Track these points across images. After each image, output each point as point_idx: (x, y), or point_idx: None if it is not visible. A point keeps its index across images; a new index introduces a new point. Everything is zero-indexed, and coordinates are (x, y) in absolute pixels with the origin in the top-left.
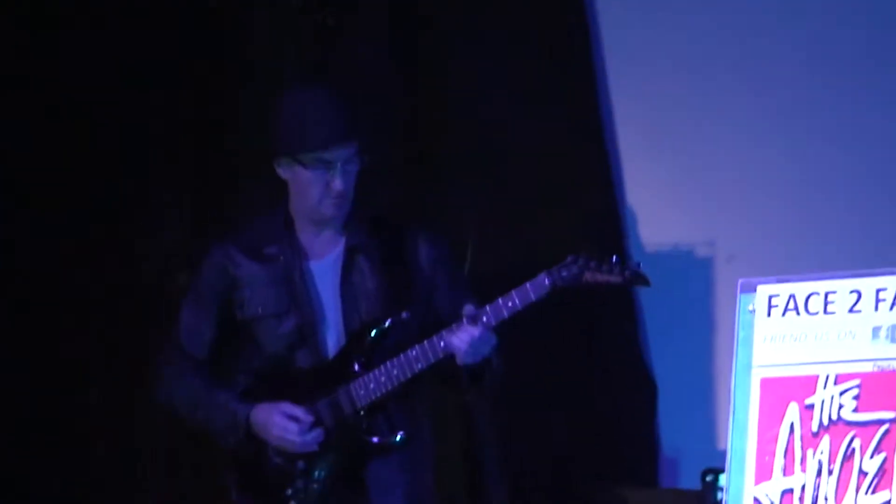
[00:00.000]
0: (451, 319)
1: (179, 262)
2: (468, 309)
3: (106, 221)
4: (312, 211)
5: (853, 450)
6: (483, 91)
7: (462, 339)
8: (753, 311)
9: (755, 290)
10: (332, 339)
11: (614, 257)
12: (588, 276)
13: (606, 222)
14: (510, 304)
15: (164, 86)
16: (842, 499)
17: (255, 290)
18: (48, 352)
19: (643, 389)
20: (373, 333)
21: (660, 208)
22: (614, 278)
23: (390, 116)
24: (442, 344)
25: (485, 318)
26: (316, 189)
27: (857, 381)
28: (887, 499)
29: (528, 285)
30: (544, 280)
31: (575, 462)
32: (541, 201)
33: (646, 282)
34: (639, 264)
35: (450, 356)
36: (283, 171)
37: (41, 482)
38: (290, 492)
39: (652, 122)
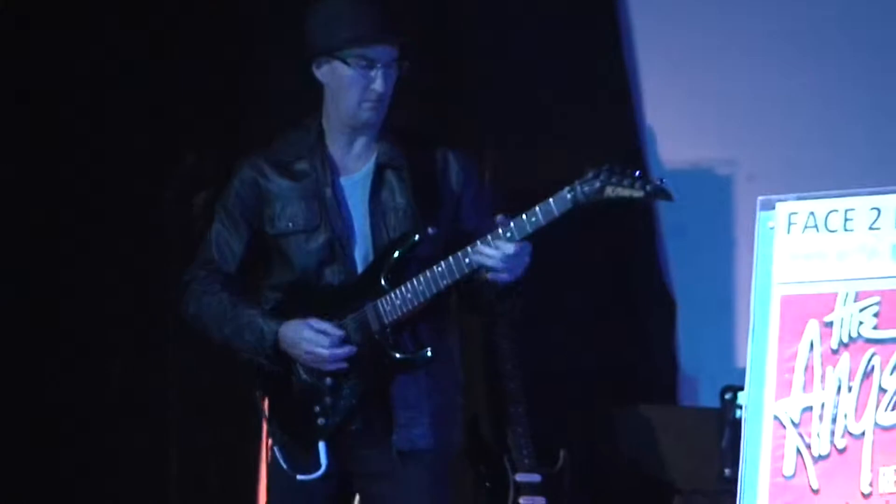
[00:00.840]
0: (476, 237)
1: (198, 183)
2: (500, 219)
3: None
4: (349, 115)
5: (873, 367)
6: (506, 11)
7: (494, 255)
8: (773, 228)
9: (774, 208)
10: (361, 255)
11: (637, 171)
12: (609, 190)
13: (626, 139)
14: (533, 218)
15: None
16: (861, 416)
17: (285, 206)
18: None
19: (663, 307)
20: (400, 249)
21: (679, 126)
22: (636, 192)
23: (419, 38)
24: (467, 260)
25: (508, 234)
26: (356, 90)
27: (877, 299)
28: None
29: (550, 200)
30: (566, 195)
31: (595, 380)
32: (562, 119)
33: (668, 196)
34: (661, 179)
35: (474, 272)
36: (322, 74)
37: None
38: (317, 408)
39: (672, 41)
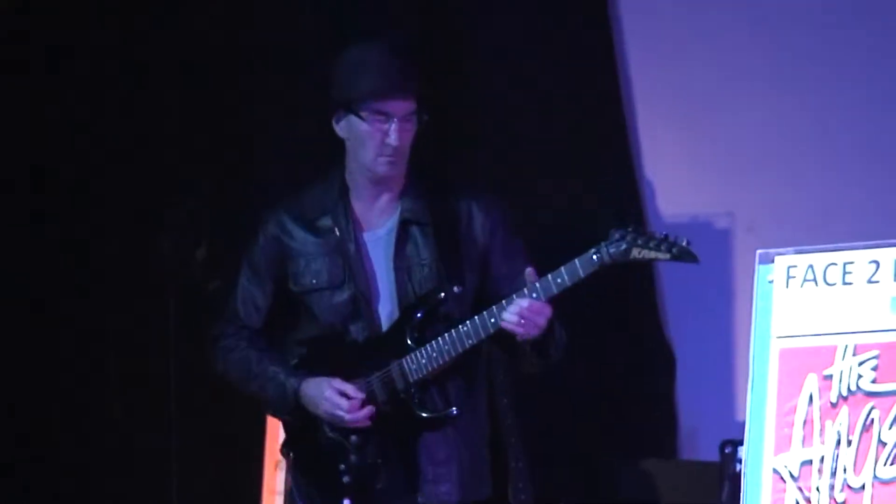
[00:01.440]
0: (508, 286)
1: (197, 237)
2: (529, 274)
3: (124, 201)
4: (367, 169)
5: (872, 420)
6: (507, 65)
7: (512, 312)
8: (772, 281)
9: (773, 261)
10: (386, 311)
11: (663, 233)
12: (636, 252)
13: (626, 193)
14: (559, 279)
15: (180, 67)
16: (861, 469)
17: (309, 262)
18: (67, 329)
19: (663, 361)
20: (424, 308)
21: (678, 179)
22: (663, 254)
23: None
24: (493, 320)
25: (534, 294)
26: (372, 144)
27: (875, 352)
28: None
29: (576, 261)
30: (592, 256)
31: (597, 433)
32: (563, 172)
33: (694, 258)
34: (687, 241)
35: (499, 332)
36: (341, 128)
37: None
38: (342, 466)
39: (671, 95)
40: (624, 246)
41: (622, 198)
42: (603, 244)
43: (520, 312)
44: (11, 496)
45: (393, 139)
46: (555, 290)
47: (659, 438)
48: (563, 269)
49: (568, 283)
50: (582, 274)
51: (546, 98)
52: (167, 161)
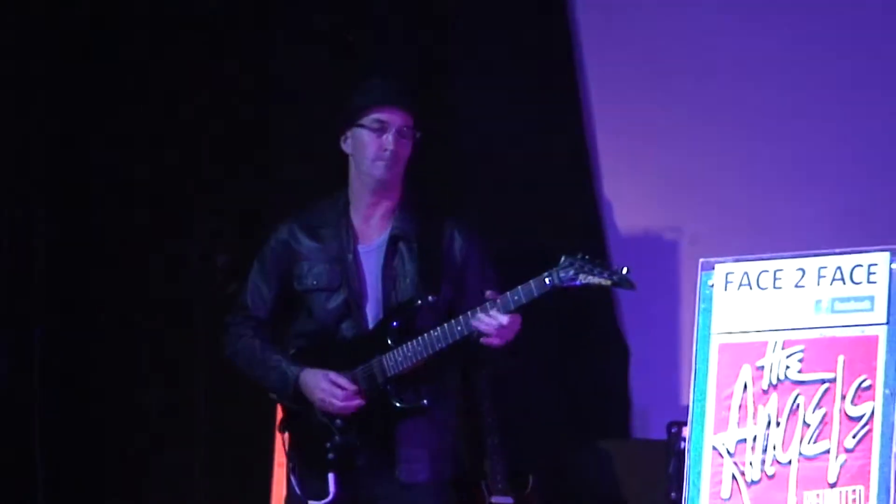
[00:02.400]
0: (477, 303)
1: (221, 244)
2: (489, 294)
3: (150, 209)
4: (366, 174)
5: (798, 405)
6: (473, 96)
7: (490, 324)
8: (712, 286)
9: (714, 269)
10: (373, 314)
11: (605, 262)
12: (582, 277)
13: (587, 209)
14: (516, 297)
15: (207, 79)
16: (788, 447)
17: (311, 266)
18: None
19: (618, 353)
20: (405, 313)
21: (633, 198)
22: (604, 281)
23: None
24: (460, 327)
25: (495, 309)
26: (371, 148)
27: (801, 347)
28: (827, 447)
29: (531, 283)
30: (544, 279)
31: (560, 415)
32: (529, 191)
33: (631, 285)
34: (626, 269)
35: (469, 336)
36: (347, 146)
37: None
38: (328, 445)
39: (627, 125)
40: (572, 272)
41: (583, 213)
42: (555, 269)
43: (498, 325)
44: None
45: (390, 144)
46: (511, 306)
47: (614, 420)
48: (519, 288)
49: (523, 300)
50: (535, 294)
51: (515, 125)
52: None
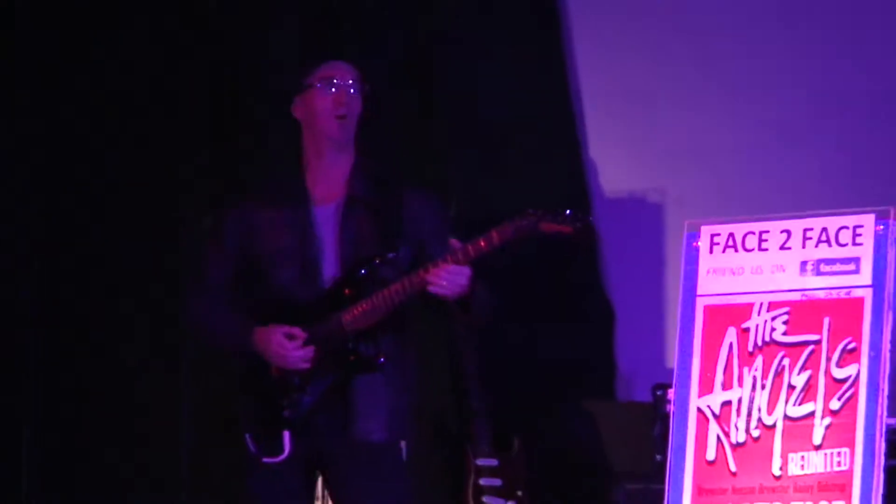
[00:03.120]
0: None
1: (205, 207)
2: (454, 243)
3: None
4: (320, 133)
5: (783, 367)
6: (463, 59)
7: (437, 274)
8: (698, 248)
9: (699, 230)
10: (330, 275)
11: (568, 210)
12: (543, 225)
13: (572, 171)
14: (481, 243)
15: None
16: (773, 409)
17: (265, 232)
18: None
19: (604, 316)
20: (363, 269)
21: (618, 160)
22: (565, 228)
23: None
24: (416, 279)
25: (460, 256)
26: (323, 107)
27: (786, 308)
28: (812, 409)
29: (493, 231)
30: (506, 228)
31: (546, 378)
32: (516, 155)
33: (593, 232)
34: (589, 217)
35: (425, 290)
36: (297, 109)
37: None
38: (285, 402)
39: (613, 88)
40: (534, 220)
41: (569, 175)
42: (517, 217)
43: (440, 272)
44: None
45: (340, 98)
46: (472, 254)
47: (600, 382)
48: (481, 237)
49: (485, 249)
50: (496, 242)
51: (500, 88)
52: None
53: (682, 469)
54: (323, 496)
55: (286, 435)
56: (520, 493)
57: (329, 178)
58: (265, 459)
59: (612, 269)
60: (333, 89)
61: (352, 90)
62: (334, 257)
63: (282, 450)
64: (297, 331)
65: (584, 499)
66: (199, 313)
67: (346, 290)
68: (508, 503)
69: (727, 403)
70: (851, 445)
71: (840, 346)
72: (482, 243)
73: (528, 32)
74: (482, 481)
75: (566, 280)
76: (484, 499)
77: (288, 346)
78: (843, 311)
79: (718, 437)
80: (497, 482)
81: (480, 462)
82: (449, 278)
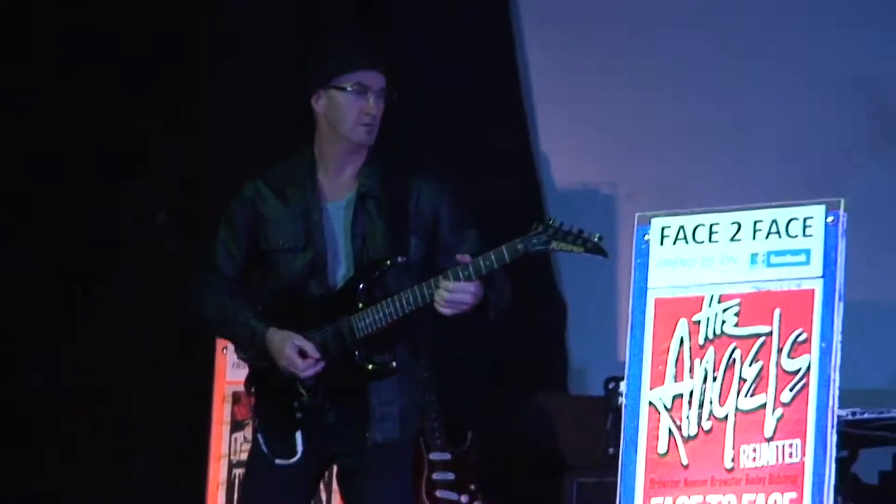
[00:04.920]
0: (454, 255)
1: (160, 202)
2: (460, 258)
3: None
4: (345, 137)
5: (734, 359)
6: (412, 54)
7: (440, 297)
8: (648, 240)
9: (650, 223)
10: (342, 272)
11: (579, 230)
12: (555, 244)
13: (523, 164)
14: (487, 262)
15: (147, 42)
16: (725, 401)
17: (277, 226)
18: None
19: (556, 310)
20: (375, 273)
21: (569, 153)
22: (577, 248)
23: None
24: (429, 291)
25: (465, 274)
26: (352, 113)
27: (737, 300)
28: (763, 401)
29: (503, 248)
30: (518, 245)
31: (498, 372)
32: (466, 146)
33: (604, 253)
34: (600, 238)
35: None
36: (320, 105)
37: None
38: (296, 404)
39: (564, 80)
40: (545, 238)
41: (520, 168)
42: (529, 235)
43: (445, 296)
44: None
45: (372, 107)
46: (483, 272)
47: (552, 376)
48: (491, 253)
49: (495, 266)
50: (507, 259)
51: (450, 81)
52: (131, 136)
53: (633, 462)
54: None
55: (299, 436)
56: (472, 486)
57: (342, 173)
58: (278, 461)
59: (563, 263)
60: (366, 99)
61: (381, 99)
62: (347, 254)
63: (295, 452)
64: (310, 348)
65: (537, 492)
66: (207, 303)
67: (358, 294)
68: (461, 497)
69: (679, 396)
70: (803, 437)
71: (791, 338)
72: (494, 260)
73: (478, 25)
74: (435, 475)
75: (518, 273)
76: (437, 493)
77: (300, 366)
78: (794, 302)
79: (670, 430)
80: (450, 476)
81: (433, 456)
82: (452, 299)
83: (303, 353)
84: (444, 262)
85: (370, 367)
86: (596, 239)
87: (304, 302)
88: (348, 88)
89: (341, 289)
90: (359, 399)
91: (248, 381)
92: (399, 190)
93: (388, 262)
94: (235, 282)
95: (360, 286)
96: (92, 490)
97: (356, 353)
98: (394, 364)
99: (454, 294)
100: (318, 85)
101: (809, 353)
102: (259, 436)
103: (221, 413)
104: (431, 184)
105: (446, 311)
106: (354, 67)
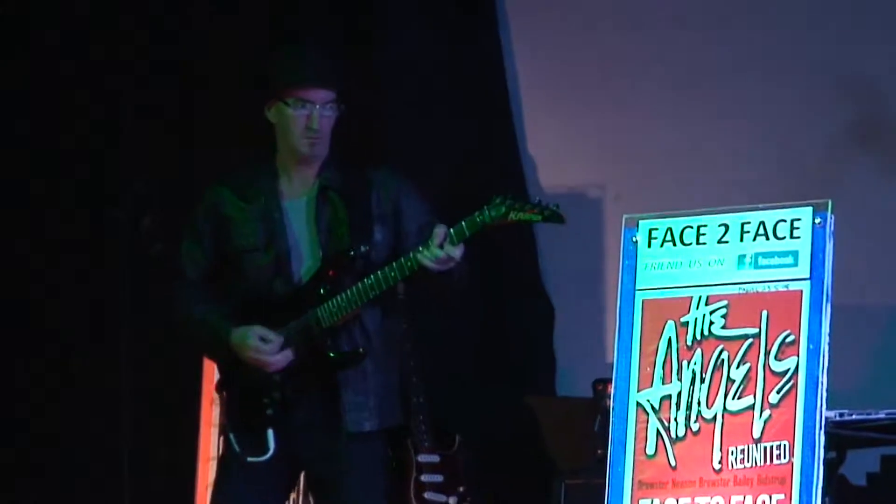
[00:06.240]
0: (416, 241)
1: (146, 206)
2: (438, 229)
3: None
4: (292, 149)
5: (722, 361)
6: (398, 57)
7: (427, 257)
8: (636, 242)
9: (638, 225)
10: (306, 267)
11: (537, 199)
12: (512, 214)
13: (510, 167)
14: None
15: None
16: (713, 403)
17: (239, 227)
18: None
19: (543, 312)
20: (339, 264)
21: (556, 156)
22: (535, 216)
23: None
24: (409, 264)
25: (436, 242)
26: (296, 127)
27: (725, 302)
28: (751, 402)
29: (462, 223)
30: (476, 218)
31: (486, 374)
32: (454, 149)
33: (561, 219)
34: (556, 205)
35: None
36: (271, 115)
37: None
38: (266, 400)
39: (551, 82)
40: (503, 209)
41: (506, 171)
42: (485, 207)
43: (436, 260)
44: None
45: (314, 123)
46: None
47: (540, 378)
48: (451, 229)
49: (455, 241)
50: (467, 233)
51: (436, 83)
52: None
53: (622, 463)
54: (302, 492)
55: (271, 433)
56: (461, 488)
57: (300, 174)
58: (249, 459)
59: (551, 264)
60: (308, 113)
61: (326, 111)
62: (314, 249)
63: (266, 449)
64: (272, 334)
65: (525, 494)
66: (175, 310)
67: (321, 286)
68: (450, 499)
69: (667, 398)
70: (791, 438)
71: (779, 339)
72: (454, 235)
73: (465, 27)
74: (423, 477)
75: (505, 275)
76: (425, 495)
77: (264, 350)
78: (782, 304)
79: (658, 432)
80: (438, 478)
81: (422, 458)
82: (439, 263)
83: (265, 340)
84: (404, 249)
85: (332, 354)
86: (553, 206)
87: (270, 301)
88: (290, 103)
89: (306, 283)
90: (331, 394)
91: (219, 383)
92: (359, 183)
93: (352, 253)
94: (203, 287)
95: (324, 278)
96: (80, 492)
97: (324, 343)
98: (360, 350)
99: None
100: (270, 97)
101: (797, 354)
102: (230, 434)
103: (210, 415)
104: (391, 175)
105: (437, 266)
106: (296, 83)
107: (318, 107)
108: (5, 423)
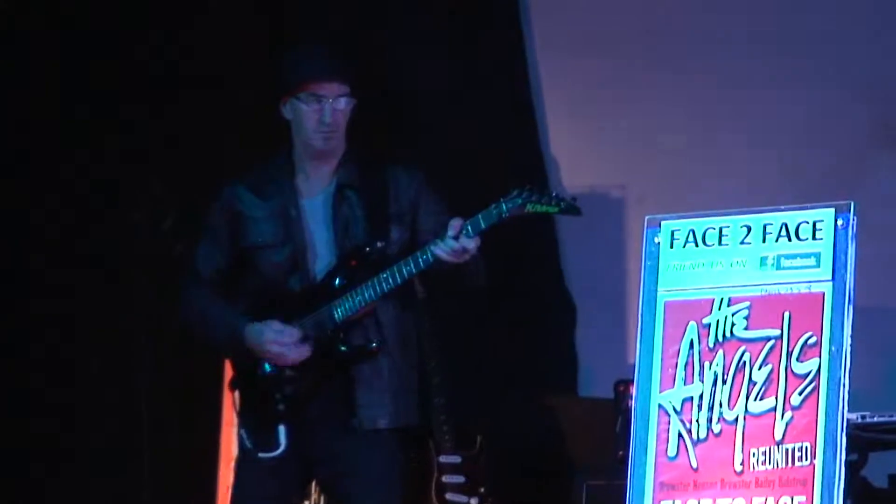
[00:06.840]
0: (433, 237)
1: (165, 209)
2: (454, 221)
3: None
4: (307, 144)
5: (744, 362)
6: (422, 57)
7: (443, 249)
8: (658, 243)
9: (660, 226)
10: (323, 264)
11: (553, 191)
12: (529, 206)
13: (533, 170)
14: (469, 227)
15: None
16: (734, 405)
17: (255, 224)
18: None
19: (565, 313)
20: (353, 259)
21: (579, 157)
22: (552, 208)
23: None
24: (425, 257)
25: (450, 233)
26: (309, 122)
27: (747, 303)
28: (773, 404)
29: (479, 215)
30: (492, 210)
31: (508, 375)
32: (478, 154)
33: (578, 211)
34: (574, 198)
35: (429, 266)
36: (286, 112)
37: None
38: (278, 396)
39: (574, 84)
40: (519, 201)
41: (528, 172)
42: (502, 199)
43: (450, 251)
44: None
45: (326, 117)
46: (472, 233)
47: (562, 378)
48: (468, 222)
49: (472, 233)
50: (483, 225)
51: (458, 80)
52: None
53: (643, 465)
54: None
55: (282, 429)
56: (482, 489)
57: (317, 172)
58: (261, 455)
59: (573, 265)
60: (318, 105)
61: (338, 106)
62: (330, 246)
63: (277, 445)
64: (289, 328)
65: (546, 495)
66: (191, 310)
67: (337, 282)
68: (471, 500)
69: (688, 399)
70: (812, 440)
71: (801, 341)
72: (469, 227)
73: (488, 30)
74: (445, 478)
75: (527, 276)
76: (447, 496)
77: (281, 341)
78: (804, 305)
79: (680, 433)
80: (460, 479)
81: (443, 459)
82: (454, 255)
83: (283, 334)
84: (419, 247)
85: (342, 348)
86: (572, 200)
87: (285, 298)
88: (303, 98)
89: (321, 280)
90: (345, 390)
91: (232, 381)
92: (376, 180)
93: (368, 248)
94: (217, 284)
95: (339, 274)
96: (101, 493)
97: (337, 337)
98: (373, 345)
99: (458, 250)
100: (282, 94)
101: (819, 356)
102: (241, 430)
103: (231, 415)
104: (408, 171)
105: (453, 258)
106: (308, 79)
107: (330, 100)
108: (26, 425)
